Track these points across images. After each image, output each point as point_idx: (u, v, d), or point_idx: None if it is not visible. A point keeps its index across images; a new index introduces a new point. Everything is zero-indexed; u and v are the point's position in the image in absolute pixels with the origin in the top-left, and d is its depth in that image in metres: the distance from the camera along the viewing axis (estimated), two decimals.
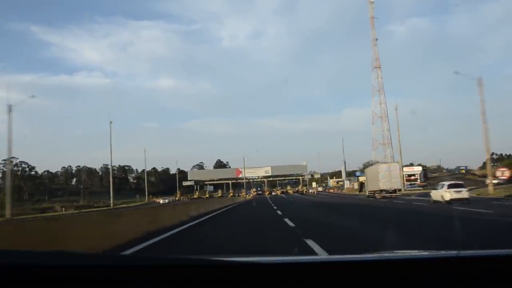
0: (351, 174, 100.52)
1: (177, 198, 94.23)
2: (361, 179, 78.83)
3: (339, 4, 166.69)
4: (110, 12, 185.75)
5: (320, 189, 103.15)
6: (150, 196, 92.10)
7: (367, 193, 38.62)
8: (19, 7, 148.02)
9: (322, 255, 4.61)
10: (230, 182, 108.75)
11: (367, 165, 70.82)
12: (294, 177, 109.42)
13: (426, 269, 1.11)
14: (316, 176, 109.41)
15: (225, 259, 1.24)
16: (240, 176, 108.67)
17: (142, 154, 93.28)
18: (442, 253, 1.45)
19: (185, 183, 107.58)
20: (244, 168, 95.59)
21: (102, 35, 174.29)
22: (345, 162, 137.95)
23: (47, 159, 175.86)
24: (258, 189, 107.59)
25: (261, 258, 1.35)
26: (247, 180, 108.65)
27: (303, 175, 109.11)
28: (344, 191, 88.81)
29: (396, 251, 2.83)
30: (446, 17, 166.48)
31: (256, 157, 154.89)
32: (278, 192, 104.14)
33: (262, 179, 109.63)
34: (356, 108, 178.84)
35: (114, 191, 60.98)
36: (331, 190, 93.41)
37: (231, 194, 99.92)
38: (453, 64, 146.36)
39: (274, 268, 1.13)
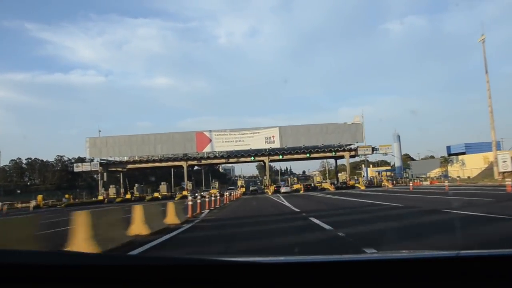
0: None
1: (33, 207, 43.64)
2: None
3: (336, 2, 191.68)
4: (105, 10, 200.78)
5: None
6: None
7: None
8: (13, 4, 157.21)
9: None
10: (185, 164, 56.89)
11: None
12: (334, 151, 58.21)
13: (426, 269, 1.24)
14: (385, 150, 58.54)
15: (225, 259, 1.39)
16: (207, 149, 56.87)
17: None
18: (442, 253, 1.60)
19: (78, 169, 56.55)
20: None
21: (97, 33, 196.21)
22: (399, 137, 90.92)
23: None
24: (251, 184, 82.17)
25: (261, 258, 1.54)
26: (223, 160, 58.07)
27: (353, 149, 58.04)
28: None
29: (396, 251, 3.47)
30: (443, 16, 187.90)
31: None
32: (299, 188, 53.64)
33: (260, 158, 58.07)
34: (353, 108, 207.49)
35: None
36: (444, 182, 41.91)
37: (184, 193, 50.45)
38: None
39: (274, 268, 1.26)
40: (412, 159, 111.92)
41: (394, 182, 58.02)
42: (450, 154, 76.50)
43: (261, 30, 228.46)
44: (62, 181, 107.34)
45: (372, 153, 59.71)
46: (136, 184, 62.97)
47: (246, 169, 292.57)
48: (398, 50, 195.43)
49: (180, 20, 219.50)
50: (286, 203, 22.38)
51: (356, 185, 56.95)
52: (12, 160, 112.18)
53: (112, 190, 59.53)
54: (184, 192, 55.23)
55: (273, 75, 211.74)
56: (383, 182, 58.62)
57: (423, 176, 78.20)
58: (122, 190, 63.51)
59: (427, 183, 55.76)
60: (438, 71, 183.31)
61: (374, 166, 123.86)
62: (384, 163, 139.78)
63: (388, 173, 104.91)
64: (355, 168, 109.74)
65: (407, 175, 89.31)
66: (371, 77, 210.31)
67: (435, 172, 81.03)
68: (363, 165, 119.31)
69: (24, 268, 1.21)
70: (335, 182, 65.42)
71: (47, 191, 74.36)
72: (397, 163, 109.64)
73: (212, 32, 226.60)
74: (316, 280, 1.19)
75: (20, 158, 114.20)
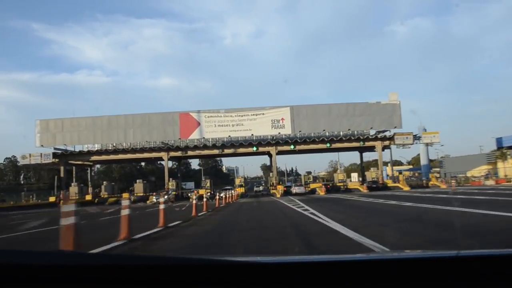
0: None
1: None
2: None
3: (340, 4, 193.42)
4: (111, 10, 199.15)
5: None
6: None
7: None
8: (20, 3, 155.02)
9: None
10: (165, 155, 43.40)
11: None
12: (363, 140, 44.58)
13: (426, 269, 1.24)
14: (430, 139, 44.62)
15: (225, 259, 1.40)
16: (195, 136, 43.29)
17: None
18: (442, 253, 1.62)
19: (24, 161, 43.56)
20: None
21: (103, 33, 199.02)
22: (425, 130, 76.41)
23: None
24: (255, 184, 78.59)
25: (261, 258, 1.59)
26: (215, 150, 44.82)
27: (388, 137, 44.37)
28: None
29: (396, 251, 3.39)
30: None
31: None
32: (315, 188, 39.93)
33: (265, 148, 44.29)
34: None
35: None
36: None
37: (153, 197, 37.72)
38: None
39: (274, 268, 1.26)
40: (431, 160, 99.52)
41: (443, 181, 44.10)
42: (501, 148, 62.37)
43: (267, 31, 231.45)
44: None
45: (413, 142, 45.69)
46: (104, 182, 49.44)
47: (250, 170, 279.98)
48: (403, 52, 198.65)
49: (186, 21, 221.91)
50: (352, 234, 8.49)
51: (393, 185, 43.06)
52: (7, 158, 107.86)
53: (73, 189, 46.05)
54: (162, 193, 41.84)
55: (277, 75, 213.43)
56: (431, 181, 44.61)
57: (461, 175, 65.14)
58: (90, 189, 50.30)
59: (490, 182, 41.94)
60: (442, 73, 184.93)
61: (384, 165, 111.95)
62: (397, 162, 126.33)
63: (408, 173, 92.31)
64: (367, 169, 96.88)
65: (436, 175, 76.39)
66: (376, 79, 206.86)
67: (480, 170, 67.23)
68: (381, 164, 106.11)
69: (24, 268, 1.20)
70: (361, 181, 51.64)
71: (39, 190, 64.78)
72: (424, 160, 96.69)
73: (217, 33, 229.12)
74: (316, 280, 1.18)
75: (15, 156, 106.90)
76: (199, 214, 14.44)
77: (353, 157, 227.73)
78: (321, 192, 39.47)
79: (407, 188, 39.23)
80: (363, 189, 40.52)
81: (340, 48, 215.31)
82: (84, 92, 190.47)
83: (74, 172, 54.34)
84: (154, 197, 35.28)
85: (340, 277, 1.19)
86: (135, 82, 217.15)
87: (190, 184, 68.30)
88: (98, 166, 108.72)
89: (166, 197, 33.62)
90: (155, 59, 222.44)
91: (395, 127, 44.27)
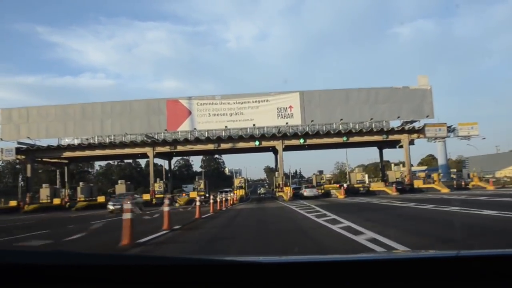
0: None
1: None
2: None
3: (343, 7, 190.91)
4: (115, 13, 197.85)
5: None
6: None
7: None
8: (23, 7, 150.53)
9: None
10: (151, 151, 35.79)
11: None
12: (386, 132, 36.75)
13: (426, 269, 1.24)
14: (467, 131, 36.54)
15: (225, 259, 1.42)
16: (185, 127, 35.29)
17: None
18: (442, 253, 1.65)
19: None
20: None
21: (107, 36, 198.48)
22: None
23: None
24: (259, 186, 70.25)
25: (261, 258, 1.58)
26: (210, 145, 36.97)
27: (417, 129, 36.62)
28: None
29: (396, 251, 3.41)
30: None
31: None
32: (329, 189, 32.40)
33: (269, 143, 36.64)
34: None
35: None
36: None
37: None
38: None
39: (274, 268, 1.27)
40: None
41: (491, 182, 36.65)
42: None
43: (270, 34, 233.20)
44: (55, 181, 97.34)
45: (447, 135, 38.31)
46: (80, 183, 42.27)
47: (253, 172, 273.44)
48: (407, 54, 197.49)
49: (189, 24, 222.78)
50: None
51: (425, 186, 35.71)
52: (4, 160, 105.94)
53: (45, 191, 38.99)
54: (145, 196, 34.61)
55: (280, 77, 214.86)
56: (473, 181, 37.21)
57: (488, 175, 57.76)
58: (67, 191, 43.28)
59: None
60: (445, 75, 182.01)
61: (395, 165, 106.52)
62: (402, 164, 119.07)
63: (423, 174, 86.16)
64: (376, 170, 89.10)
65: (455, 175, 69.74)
66: (377, 80, 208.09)
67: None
68: (392, 164, 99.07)
69: (24, 268, 1.20)
70: (384, 181, 44.27)
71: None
72: (441, 160, 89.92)
73: (221, 35, 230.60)
74: (316, 280, 1.19)
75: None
76: (141, 241, 7.25)
77: (360, 159, 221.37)
78: (340, 195, 32.12)
79: (445, 190, 31.94)
80: (392, 191, 33.18)
81: (344, 50, 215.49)
82: (87, 95, 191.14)
83: (57, 173, 47.81)
84: (110, 203, 25.25)
85: (341, 277, 1.18)
86: (138, 84, 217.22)
87: (191, 187, 62.38)
88: (97, 167, 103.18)
89: (128, 203, 26.13)
90: (158, 62, 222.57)
91: (427, 116, 36.87)
